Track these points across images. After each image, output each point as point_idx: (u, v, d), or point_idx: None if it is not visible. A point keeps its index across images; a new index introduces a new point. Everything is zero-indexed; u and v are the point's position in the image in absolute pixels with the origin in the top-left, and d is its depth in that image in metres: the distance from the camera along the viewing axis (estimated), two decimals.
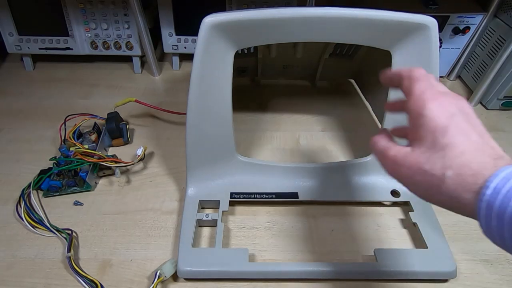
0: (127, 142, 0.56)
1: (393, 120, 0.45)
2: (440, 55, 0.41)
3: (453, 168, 0.25)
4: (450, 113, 0.27)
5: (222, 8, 0.67)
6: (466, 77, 0.71)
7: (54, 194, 0.48)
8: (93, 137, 0.53)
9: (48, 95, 0.66)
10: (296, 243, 0.43)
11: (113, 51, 0.70)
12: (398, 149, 0.29)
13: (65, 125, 0.54)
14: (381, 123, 0.47)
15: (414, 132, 0.28)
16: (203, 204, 0.46)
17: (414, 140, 0.28)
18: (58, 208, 0.47)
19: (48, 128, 0.58)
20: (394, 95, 0.44)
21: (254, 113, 0.63)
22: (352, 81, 0.70)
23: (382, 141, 0.31)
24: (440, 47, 0.66)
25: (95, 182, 0.50)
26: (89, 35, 0.68)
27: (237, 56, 0.41)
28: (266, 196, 0.46)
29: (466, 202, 0.24)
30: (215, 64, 0.40)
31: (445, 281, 0.40)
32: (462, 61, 0.70)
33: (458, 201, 0.24)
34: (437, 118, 0.27)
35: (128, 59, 0.73)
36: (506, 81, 0.60)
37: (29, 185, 0.47)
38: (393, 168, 0.29)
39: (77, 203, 0.47)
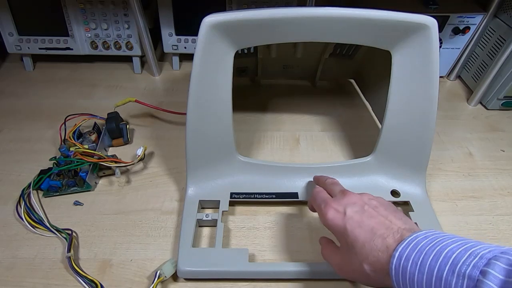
0: (127, 142, 0.56)
1: (393, 120, 0.45)
2: (440, 55, 0.41)
3: (365, 260, 0.29)
4: (342, 213, 0.32)
5: (222, 8, 0.67)
6: (466, 77, 0.71)
7: (54, 194, 0.48)
8: (93, 137, 0.53)
9: (48, 95, 0.66)
10: (296, 243, 0.43)
11: (113, 51, 0.70)
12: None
13: (65, 125, 0.54)
14: (381, 123, 0.47)
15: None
16: (203, 204, 0.46)
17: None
18: (58, 208, 0.47)
19: (48, 128, 0.58)
20: (394, 95, 0.44)
21: (254, 113, 0.63)
22: (352, 81, 0.70)
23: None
24: (440, 47, 0.66)
25: (95, 182, 0.50)
26: (89, 35, 0.68)
27: (237, 56, 0.41)
28: (266, 196, 0.46)
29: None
30: (215, 64, 0.40)
31: None
32: (462, 61, 0.70)
33: (387, 282, 0.28)
34: (335, 222, 0.32)
35: (128, 59, 0.73)
36: (506, 81, 0.60)
37: (29, 185, 0.47)
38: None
39: (77, 203, 0.47)
